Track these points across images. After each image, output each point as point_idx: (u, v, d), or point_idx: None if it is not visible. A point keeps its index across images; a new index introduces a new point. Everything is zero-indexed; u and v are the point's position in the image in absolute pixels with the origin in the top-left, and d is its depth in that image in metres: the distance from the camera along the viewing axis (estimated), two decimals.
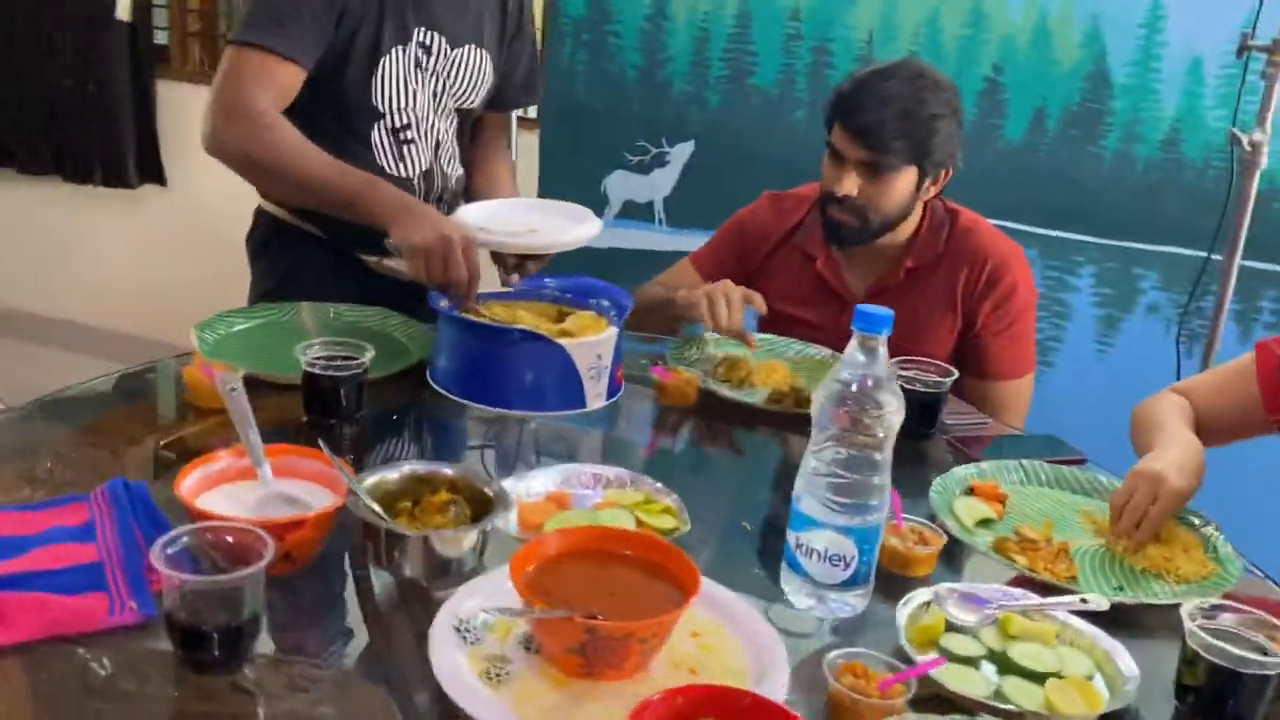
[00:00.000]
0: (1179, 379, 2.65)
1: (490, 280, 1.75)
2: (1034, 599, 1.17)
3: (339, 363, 1.44)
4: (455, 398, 1.56)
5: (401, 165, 1.82)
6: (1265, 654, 1.03)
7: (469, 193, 1.99)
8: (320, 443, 1.19)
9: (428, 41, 1.76)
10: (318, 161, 1.59)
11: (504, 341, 1.53)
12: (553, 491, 1.32)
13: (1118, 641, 1.12)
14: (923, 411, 1.59)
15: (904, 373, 1.62)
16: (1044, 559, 1.28)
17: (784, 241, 2.07)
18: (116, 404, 1.54)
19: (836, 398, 1.09)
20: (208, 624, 0.93)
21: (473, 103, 1.88)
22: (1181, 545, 1.36)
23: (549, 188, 3.14)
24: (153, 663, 0.99)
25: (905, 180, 1.84)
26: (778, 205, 2.11)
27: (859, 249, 1.96)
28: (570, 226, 1.71)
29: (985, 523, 1.39)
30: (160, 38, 3.71)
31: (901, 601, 1.13)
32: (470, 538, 1.12)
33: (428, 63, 1.77)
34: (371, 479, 1.16)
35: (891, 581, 1.21)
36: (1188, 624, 1.05)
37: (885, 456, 1.11)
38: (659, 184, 3.20)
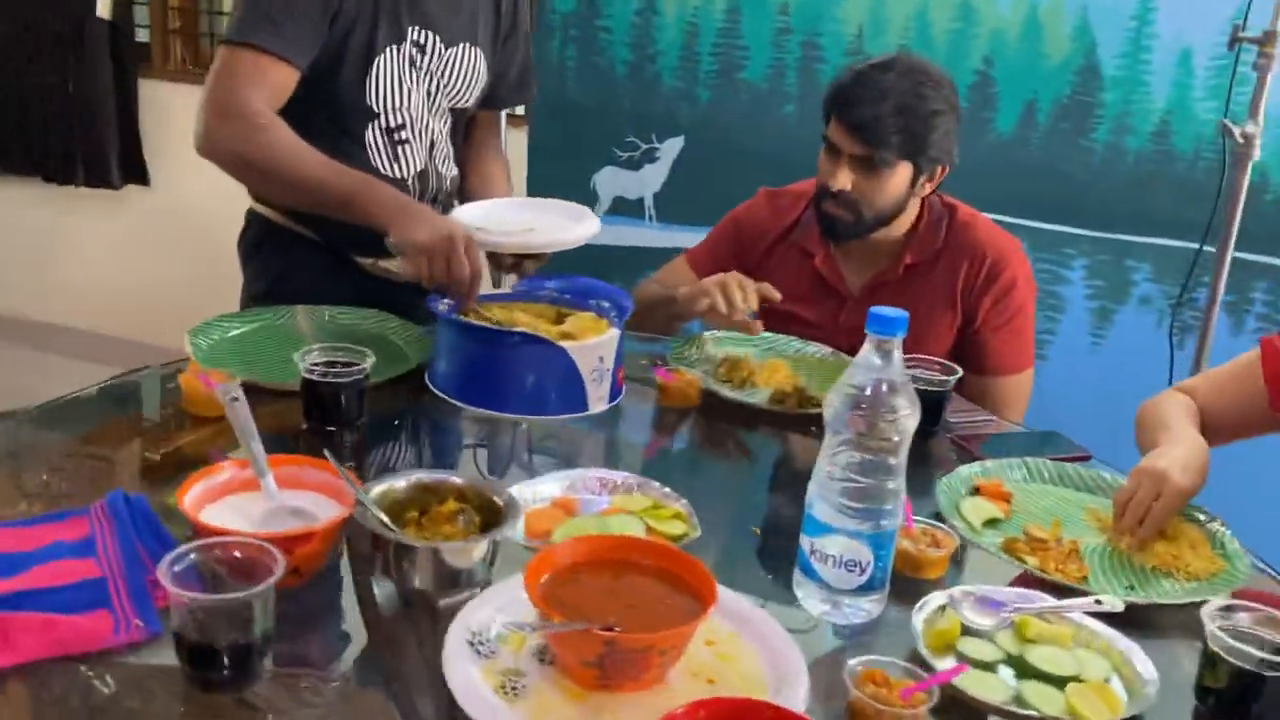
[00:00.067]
0: (1171, 371, 2.68)
1: (488, 282, 1.73)
2: (1049, 601, 1.16)
3: (339, 369, 1.41)
4: (455, 402, 1.54)
5: (396, 166, 1.79)
6: None
7: (463, 192, 1.96)
8: (326, 453, 1.17)
9: (422, 40, 1.73)
10: (313, 162, 1.57)
11: (504, 344, 1.52)
12: (559, 497, 1.30)
13: (1133, 642, 1.11)
14: (927, 410, 1.56)
15: (907, 371, 1.60)
16: (1054, 559, 1.28)
17: (781, 238, 2.06)
18: (109, 412, 1.51)
19: (851, 402, 1.08)
20: (218, 642, 0.91)
21: (467, 102, 1.86)
22: (1189, 542, 1.36)
23: (538, 185, 3.12)
24: (157, 679, 0.97)
25: (900, 176, 1.83)
26: (774, 202, 2.09)
27: (857, 245, 1.95)
28: (569, 225, 1.70)
29: (992, 522, 1.38)
30: (141, 35, 3.66)
31: (917, 606, 1.12)
32: (481, 548, 1.10)
33: (422, 62, 1.75)
34: (378, 489, 1.14)
35: (903, 584, 1.20)
36: (1209, 625, 1.04)
37: (900, 460, 1.10)
38: (649, 180, 3.18)
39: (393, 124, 1.76)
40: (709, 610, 0.98)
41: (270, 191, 1.73)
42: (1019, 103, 2.85)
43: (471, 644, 1.01)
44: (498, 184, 1.99)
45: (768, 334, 1.90)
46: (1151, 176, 2.79)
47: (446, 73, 1.79)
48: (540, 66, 3.02)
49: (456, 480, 1.17)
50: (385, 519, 1.10)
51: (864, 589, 1.12)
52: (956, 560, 1.29)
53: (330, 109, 1.71)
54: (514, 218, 1.73)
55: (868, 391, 1.07)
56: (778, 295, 1.80)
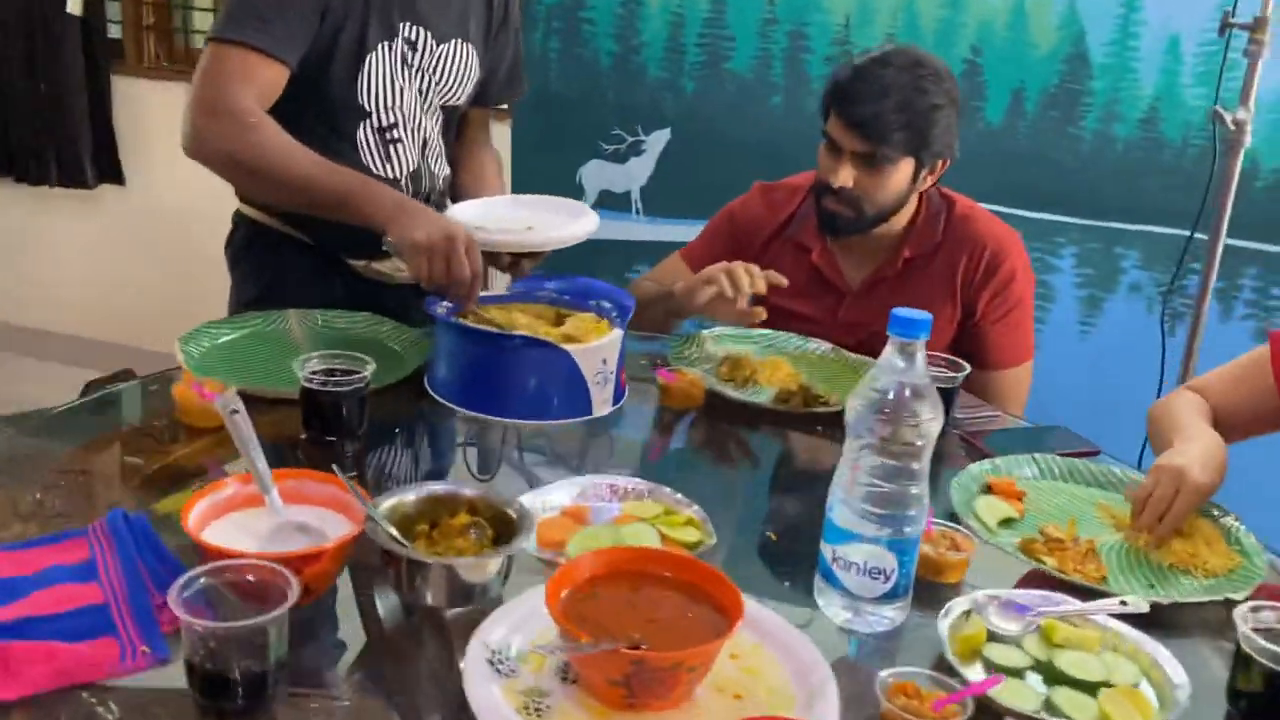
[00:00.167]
0: (1163, 358, 2.68)
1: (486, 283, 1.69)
2: (1073, 604, 1.14)
3: (339, 377, 1.38)
4: (456, 407, 1.51)
5: (388, 165, 1.75)
6: None
7: (454, 190, 1.93)
8: (335, 469, 1.13)
9: (413, 37, 1.69)
10: (305, 161, 1.53)
11: (506, 348, 1.49)
12: (569, 506, 1.27)
13: (1161, 645, 1.10)
14: None
15: None
16: (1073, 559, 1.26)
17: (777, 233, 2.03)
18: (101, 424, 1.47)
19: (873, 405, 1.05)
20: (232, 671, 0.87)
21: (459, 99, 1.82)
22: (1204, 538, 1.35)
23: (523, 179, 3.08)
24: (163, 704, 0.94)
25: (902, 171, 1.80)
26: (769, 196, 2.07)
27: (855, 240, 1.93)
28: (567, 222, 1.66)
29: (1007, 522, 1.37)
30: (113, 32, 3.58)
31: (941, 612, 1.10)
32: (496, 563, 1.07)
33: (414, 59, 1.71)
34: (388, 503, 1.10)
35: (922, 588, 1.17)
36: (1242, 627, 1.03)
37: (924, 465, 1.07)
38: (635, 173, 3.15)
39: (385, 123, 1.72)
40: (736, 625, 0.95)
41: (261, 192, 1.69)
42: (1007, 92, 2.84)
43: (491, 663, 0.98)
44: (490, 181, 1.95)
45: (767, 331, 1.88)
46: (1140, 164, 2.78)
47: (438, 70, 1.75)
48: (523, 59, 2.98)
49: (467, 492, 1.14)
50: (397, 535, 1.07)
51: (887, 597, 1.09)
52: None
53: (321, 108, 1.67)
54: (511, 215, 1.70)
55: (890, 395, 1.05)
56: (784, 280, 1.78)
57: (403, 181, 1.77)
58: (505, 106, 3.17)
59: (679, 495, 1.29)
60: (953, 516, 1.33)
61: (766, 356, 1.78)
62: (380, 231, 1.50)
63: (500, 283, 1.73)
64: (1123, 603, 1.14)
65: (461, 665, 0.98)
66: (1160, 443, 1.52)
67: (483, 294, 1.59)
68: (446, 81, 1.77)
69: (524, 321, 1.58)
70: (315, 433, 1.38)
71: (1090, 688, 1.03)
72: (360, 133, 1.71)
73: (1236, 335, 2.81)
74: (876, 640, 1.12)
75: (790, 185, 2.07)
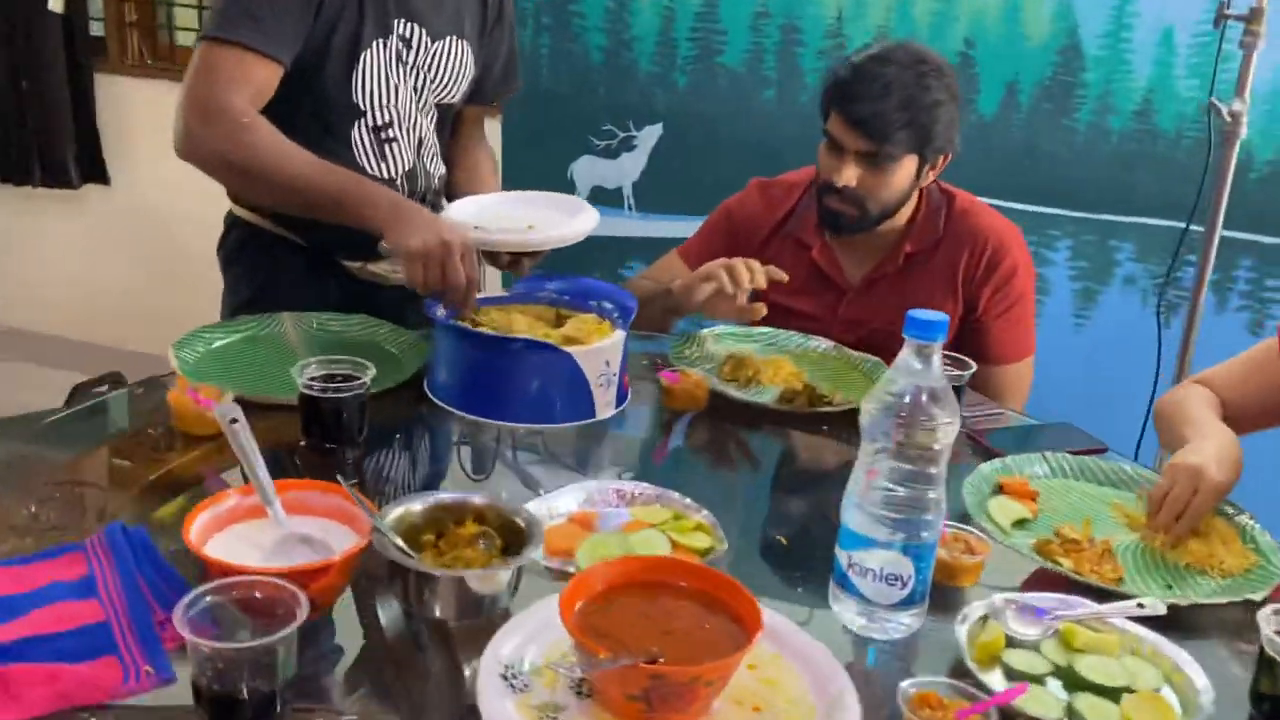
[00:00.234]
0: (1160, 350, 2.67)
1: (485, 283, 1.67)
2: (1090, 606, 1.13)
3: (338, 383, 1.35)
4: (457, 411, 1.49)
5: (383, 165, 1.72)
6: None
7: (449, 188, 1.90)
8: (340, 479, 1.10)
9: (408, 34, 1.66)
10: (301, 162, 1.50)
11: (507, 351, 1.46)
12: (576, 512, 1.25)
13: (1180, 648, 1.08)
14: None
15: None
16: (1089, 560, 1.24)
17: (776, 231, 2.01)
18: (93, 431, 1.44)
19: (890, 409, 1.03)
20: (240, 692, 0.85)
21: (454, 97, 1.79)
22: (1220, 537, 1.33)
23: (513, 176, 3.05)
24: None
25: (905, 169, 1.78)
26: (767, 193, 2.04)
27: (856, 237, 1.91)
28: (566, 220, 1.63)
29: (1021, 522, 1.35)
30: (96, 29, 3.53)
31: (958, 618, 1.09)
32: (506, 574, 1.04)
33: (409, 57, 1.68)
34: (394, 513, 1.08)
35: (936, 592, 1.15)
36: (1265, 630, 1.01)
37: (941, 470, 1.06)
38: (627, 169, 3.13)
39: (380, 122, 1.69)
40: (756, 636, 0.93)
41: (255, 194, 1.65)
42: (1000, 84, 2.82)
43: (504, 677, 0.95)
44: (486, 179, 1.93)
45: (768, 329, 1.86)
46: (1134, 156, 2.78)
47: (433, 67, 1.72)
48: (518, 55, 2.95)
49: (475, 500, 1.12)
50: (405, 547, 1.04)
51: (904, 603, 1.08)
52: None
53: (315, 107, 1.63)
54: (509, 214, 1.67)
55: (907, 399, 1.03)
56: (784, 276, 1.75)
57: (398, 181, 1.74)
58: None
59: (688, 500, 1.27)
60: (963, 517, 1.31)
61: (768, 355, 1.76)
62: (376, 235, 1.48)
63: (495, 281, 1.70)
64: (1140, 605, 1.12)
65: (467, 674, 0.96)
66: (1170, 437, 1.50)
67: (481, 296, 1.57)
68: (441, 79, 1.74)
69: (524, 323, 1.55)
70: (315, 440, 1.36)
71: (1112, 693, 1.02)
72: (355, 132, 1.68)
73: (1232, 327, 2.81)
74: (893, 646, 1.10)
75: (788, 182, 2.04)
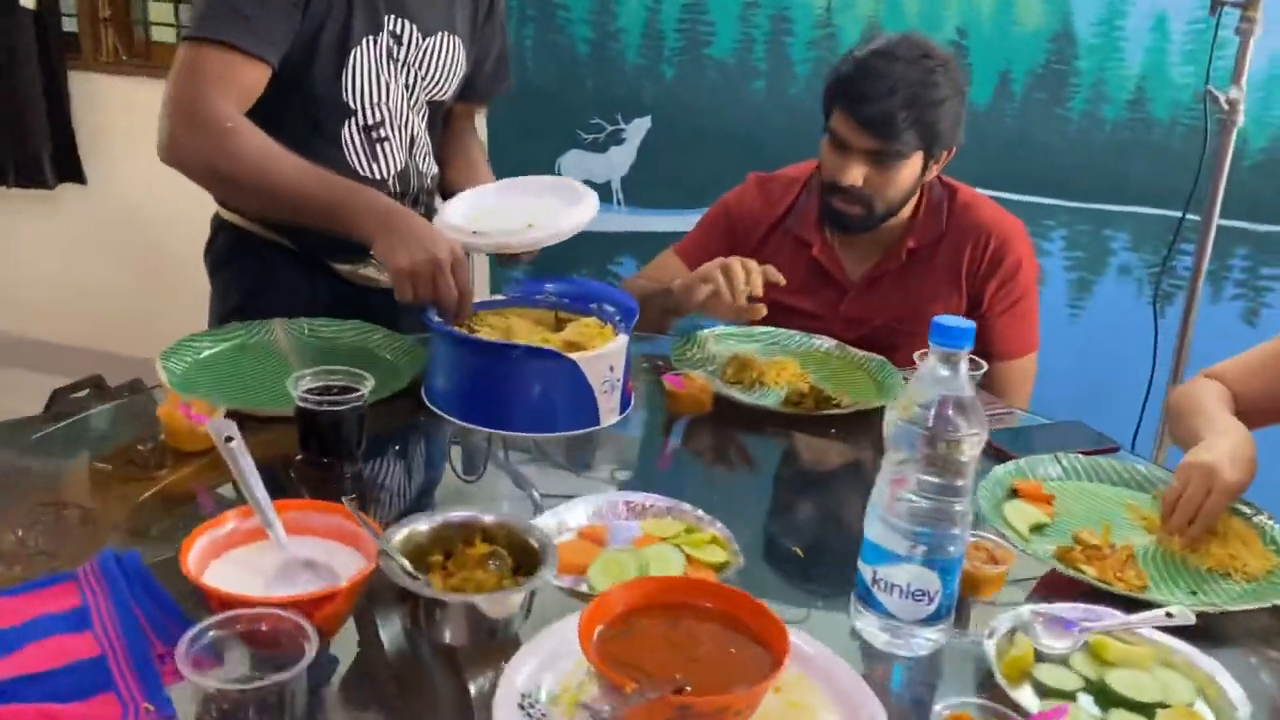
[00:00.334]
0: (1156, 339, 2.65)
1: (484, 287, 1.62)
2: (1118, 617, 1.10)
3: (335, 394, 1.30)
4: (456, 420, 1.44)
5: (375, 165, 1.67)
6: None
7: (445, 184, 1.84)
8: (344, 500, 1.06)
9: (399, 30, 1.61)
10: (290, 170, 1.44)
11: (507, 358, 1.41)
12: (586, 527, 1.21)
13: (1212, 658, 1.05)
14: None
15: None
16: (1112, 567, 1.21)
17: (775, 227, 1.97)
18: (79, 448, 1.38)
19: (916, 420, 1.00)
20: None
21: (445, 94, 1.74)
22: (1239, 539, 1.31)
23: (500, 172, 2.97)
24: None
25: (912, 166, 1.75)
26: (766, 188, 2.00)
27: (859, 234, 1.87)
28: (566, 209, 1.57)
29: (1038, 527, 1.32)
30: (69, 25, 3.45)
31: (986, 632, 1.05)
32: (519, 597, 1.00)
33: (399, 53, 1.62)
34: (400, 534, 1.03)
35: (958, 603, 1.12)
36: None
37: (968, 481, 1.02)
38: (616, 162, 3.08)
39: (371, 121, 1.64)
40: (784, 662, 0.89)
41: (243, 201, 1.60)
42: (993, 74, 2.80)
43: (522, 707, 0.92)
44: (481, 171, 1.86)
45: (770, 328, 1.82)
46: (1128, 144, 2.76)
47: (425, 64, 1.67)
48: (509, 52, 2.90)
49: (484, 518, 1.07)
50: (412, 570, 1.00)
51: (931, 619, 1.04)
52: None
53: (303, 106, 1.58)
54: (506, 209, 1.61)
55: (933, 409, 0.99)
56: (782, 279, 1.71)
57: (390, 181, 1.69)
58: None
59: (700, 512, 1.23)
60: (977, 522, 1.28)
61: (771, 356, 1.73)
62: (367, 245, 1.43)
63: (483, 283, 1.65)
64: (1169, 614, 1.09)
65: (474, 696, 0.93)
66: (1183, 432, 1.48)
67: (480, 300, 1.52)
68: (433, 76, 1.69)
69: (523, 328, 1.51)
70: (312, 454, 1.31)
71: (1147, 709, 0.99)
72: (345, 131, 1.63)
73: (1227, 315, 2.80)
74: (917, 663, 1.07)
75: (786, 177, 2.00)
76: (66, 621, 0.97)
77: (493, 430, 1.43)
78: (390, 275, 1.41)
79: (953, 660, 1.08)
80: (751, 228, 1.97)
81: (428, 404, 1.47)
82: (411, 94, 1.68)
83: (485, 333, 1.47)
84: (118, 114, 3.43)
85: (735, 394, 1.58)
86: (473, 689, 0.97)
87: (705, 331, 1.80)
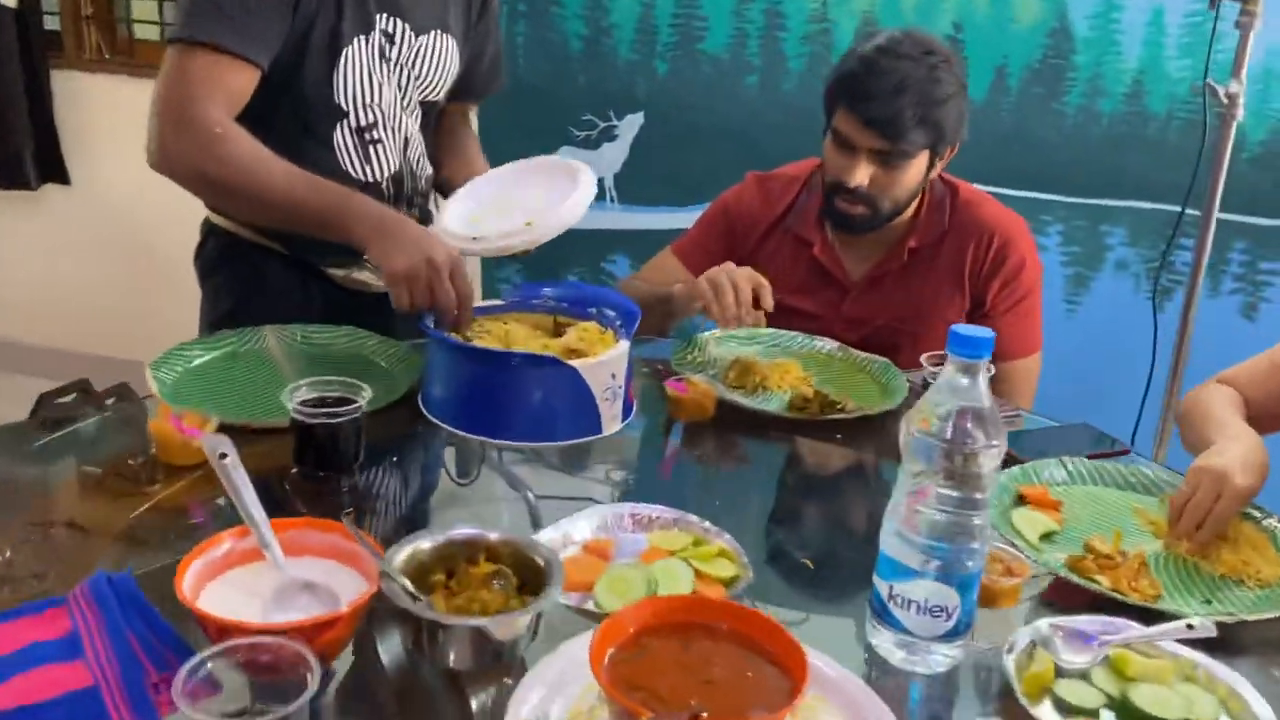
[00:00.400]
0: (1156, 334, 2.63)
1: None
2: (1136, 629, 1.07)
3: (330, 405, 1.27)
4: (454, 430, 1.41)
5: (368, 168, 1.63)
6: None
7: (443, 183, 1.80)
8: (344, 520, 1.03)
9: (391, 29, 1.57)
10: (282, 176, 1.40)
11: (506, 366, 1.38)
12: (590, 540, 1.18)
13: (1233, 670, 1.03)
14: None
15: (935, 367, 1.51)
16: (1126, 576, 1.19)
17: (775, 226, 1.94)
18: (69, 463, 1.35)
19: (935, 432, 0.97)
20: None
21: (438, 94, 1.70)
22: (1250, 544, 1.29)
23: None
24: None
25: (918, 165, 1.72)
26: (765, 187, 1.97)
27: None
28: (563, 198, 1.52)
29: (1047, 535, 1.30)
30: (51, 23, 3.39)
31: (1005, 647, 1.03)
32: (526, 619, 0.97)
33: (391, 52, 1.59)
34: (403, 554, 1.00)
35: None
36: None
37: (987, 495, 0.99)
38: (609, 159, 3.05)
39: (363, 122, 1.60)
40: (803, 686, 0.86)
41: (234, 208, 1.56)
42: (990, 68, 2.77)
43: None
44: (478, 166, 1.82)
45: (771, 330, 1.79)
46: (1125, 139, 2.74)
47: (418, 63, 1.63)
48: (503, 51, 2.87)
49: (489, 536, 1.04)
50: (415, 591, 0.97)
51: (948, 635, 1.02)
52: None
53: (293, 108, 1.54)
54: (503, 205, 1.57)
55: (952, 421, 0.97)
56: (770, 305, 1.68)
57: (384, 184, 1.65)
58: None
59: (707, 524, 1.20)
60: None
61: (774, 359, 1.70)
62: (361, 251, 1.39)
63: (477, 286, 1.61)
64: (1189, 626, 1.07)
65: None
66: (1194, 437, 1.46)
67: (477, 304, 1.49)
68: (426, 75, 1.65)
69: (521, 334, 1.48)
70: (308, 467, 1.28)
71: None
72: (337, 133, 1.59)
73: (1225, 310, 2.79)
74: (934, 678, 1.04)
75: (786, 175, 1.97)
76: (58, 649, 0.93)
77: (491, 440, 1.39)
78: (386, 282, 1.37)
79: (970, 675, 1.05)
80: (751, 227, 1.94)
81: (425, 413, 1.43)
82: (404, 94, 1.64)
83: (483, 339, 1.44)
84: (101, 113, 3.38)
85: (738, 399, 1.56)
86: (478, 715, 0.95)
87: (706, 334, 1.77)
